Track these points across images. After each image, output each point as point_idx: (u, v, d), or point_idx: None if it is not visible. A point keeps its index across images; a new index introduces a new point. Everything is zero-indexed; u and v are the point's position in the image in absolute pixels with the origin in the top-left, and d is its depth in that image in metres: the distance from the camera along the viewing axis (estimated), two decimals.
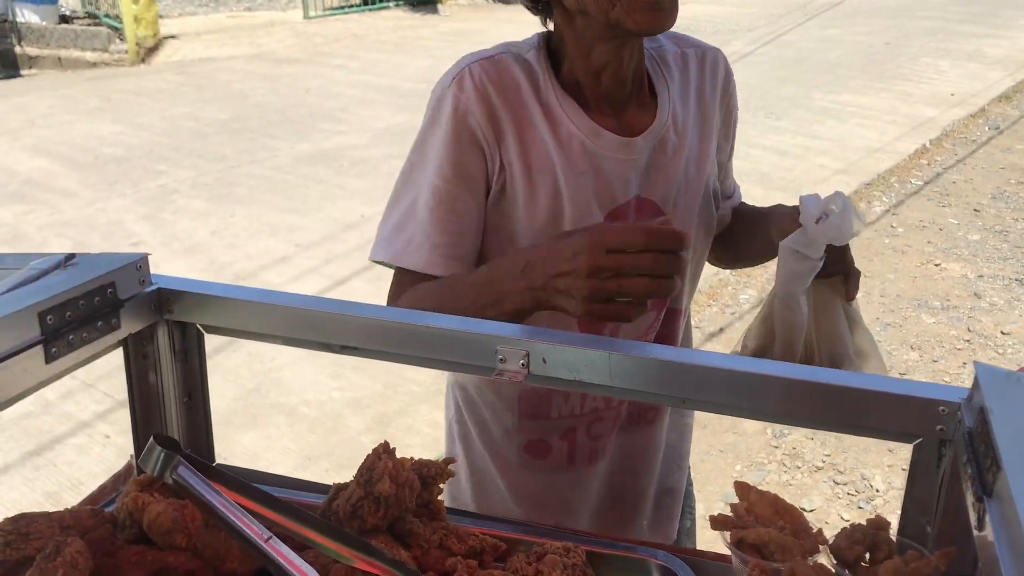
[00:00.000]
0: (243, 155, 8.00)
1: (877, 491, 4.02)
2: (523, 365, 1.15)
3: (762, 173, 7.52)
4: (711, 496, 3.90)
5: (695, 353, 1.12)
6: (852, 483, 4.06)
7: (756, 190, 6.88)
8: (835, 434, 4.26)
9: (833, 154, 8.12)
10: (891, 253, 6.25)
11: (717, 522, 1.11)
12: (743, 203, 1.74)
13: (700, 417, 4.56)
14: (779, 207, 1.53)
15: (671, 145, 1.46)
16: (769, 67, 11.36)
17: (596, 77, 1.41)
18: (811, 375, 1.07)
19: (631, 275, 1.13)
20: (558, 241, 1.20)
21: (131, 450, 1.43)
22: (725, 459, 4.25)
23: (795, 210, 1.42)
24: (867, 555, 1.08)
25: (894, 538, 1.09)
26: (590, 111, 1.42)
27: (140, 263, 1.23)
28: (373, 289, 5.25)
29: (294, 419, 4.26)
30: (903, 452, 4.19)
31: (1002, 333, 5.21)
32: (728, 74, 1.60)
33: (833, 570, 1.05)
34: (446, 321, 1.20)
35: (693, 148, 1.51)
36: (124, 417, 4.82)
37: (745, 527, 1.10)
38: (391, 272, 1.45)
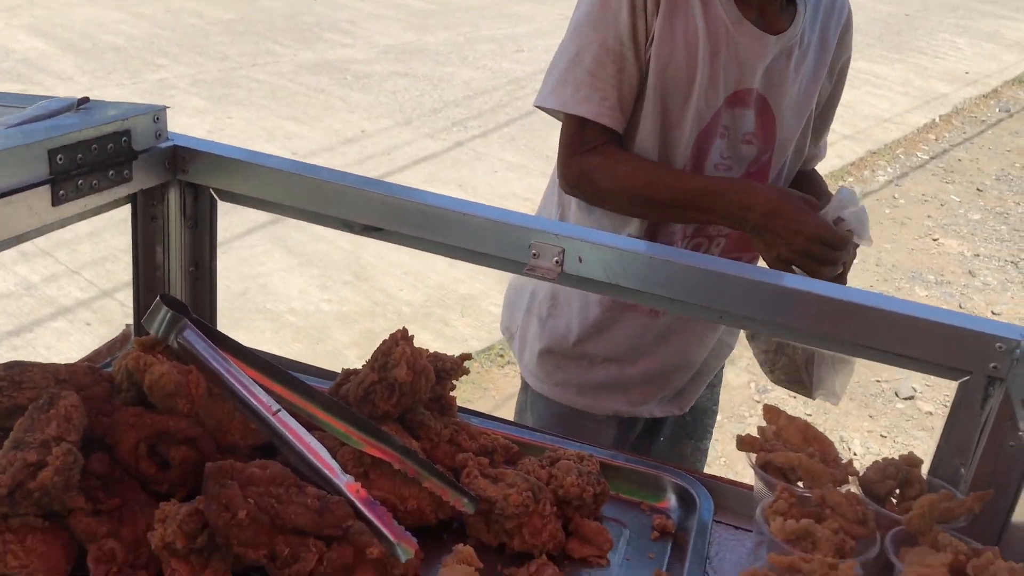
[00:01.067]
0: (245, 57, 7.80)
1: (855, 454, 4.03)
2: (557, 263, 1.09)
3: None
4: None
5: (740, 265, 1.07)
6: None
7: None
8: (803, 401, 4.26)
9: (842, 119, 7.98)
10: (890, 223, 6.20)
11: (744, 443, 1.07)
12: (815, 170, 1.79)
13: None
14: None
15: (795, 56, 1.56)
16: None
17: None
18: (861, 298, 1.01)
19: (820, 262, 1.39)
20: (784, 204, 1.41)
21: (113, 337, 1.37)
22: None
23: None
24: (897, 491, 1.04)
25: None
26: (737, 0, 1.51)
27: (158, 115, 1.15)
28: None
29: (279, 326, 4.20)
30: (882, 419, 4.20)
31: (992, 313, 5.20)
32: (850, 16, 1.66)
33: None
34: (477, 209, 1.13)
35: (809, 70, 1.59)
36: (107, 306, 4.69)
37: (772, 451, 1.05)
38: None
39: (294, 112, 6.69)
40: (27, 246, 4.53)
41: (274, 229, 4.81)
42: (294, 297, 4.46)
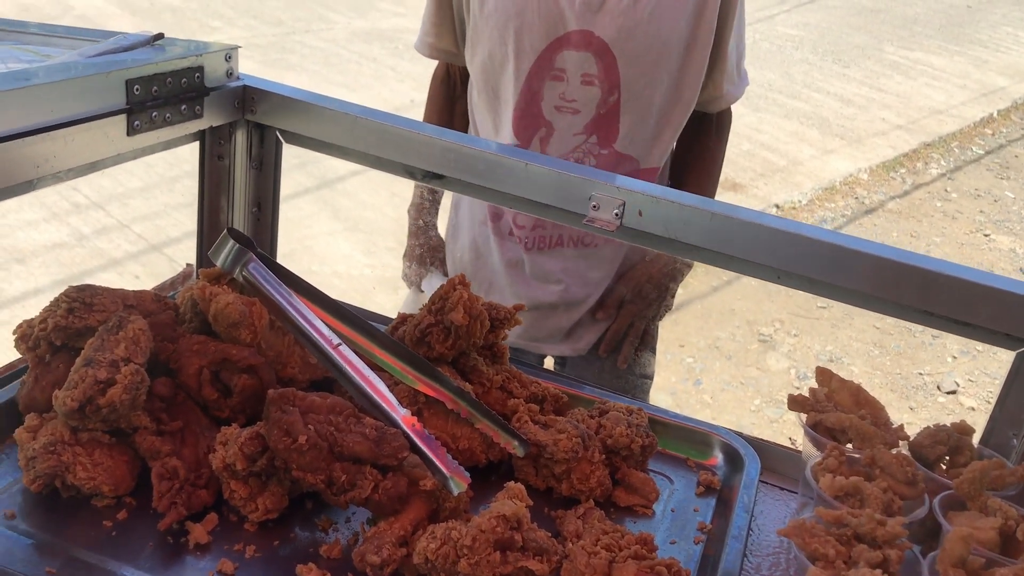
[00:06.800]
0: (299, 23, 7.85)
1: None
2: (616, 215, 1.10)
3: (822, 118, 7.32)
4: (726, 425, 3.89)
5: (802, 225, 1.06)
6: None
7: (813, 134, 6.70)
8: None
9: (896, 109, 7.88)
10: (941, 217, 6.10)
11: (795, 402, 1.07)
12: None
13: (725, 347, 4.52)
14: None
15: None
16: (844, 13, 10.98)
17: None
18: (923, 262, 1.01)
19: None
20: None
21: (177, 273, 1.41)
22: (745, 392, 4.22)
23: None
24: (947, 457, 1.04)
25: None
26: None
27: (230, 54, 1.17)
28: None
29: (323, 288, 4.23)
30: (923, 412, 4.14)
31: None
32: None
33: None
34: (539, 159, 1.14)
35: (660, 8, 1.53)
36: (156, 260, 4.75)
37: (823, 412, 1.05)
38: None
39: (346, 79, 6.73)
40: (80, 198, 4.61)
41: (321, 194, 4.86)
42: (339, 260, 4.51)
